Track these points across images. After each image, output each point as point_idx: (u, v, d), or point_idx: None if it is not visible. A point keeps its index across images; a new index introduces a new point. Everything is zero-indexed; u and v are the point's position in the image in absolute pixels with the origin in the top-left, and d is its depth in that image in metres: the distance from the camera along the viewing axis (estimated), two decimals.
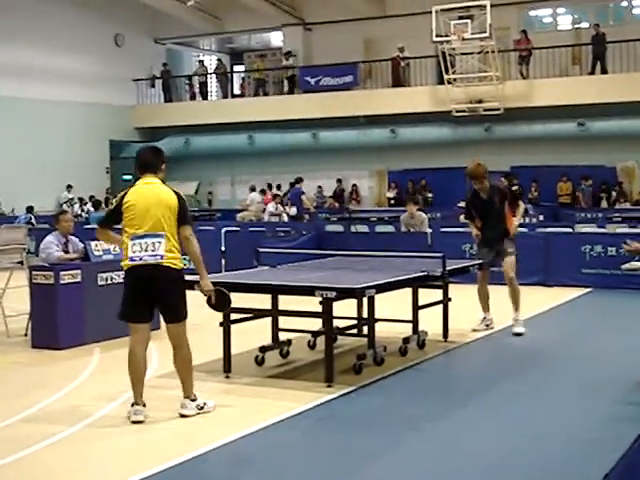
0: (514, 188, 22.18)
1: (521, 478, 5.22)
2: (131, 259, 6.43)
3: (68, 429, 6.27)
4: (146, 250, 6.38)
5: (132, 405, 6.52)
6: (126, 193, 6.64)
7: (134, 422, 6.41)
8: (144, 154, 6.90)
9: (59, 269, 9.41)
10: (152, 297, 6.51)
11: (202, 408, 6.64)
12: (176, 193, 6.60)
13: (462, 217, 10.63)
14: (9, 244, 11.13)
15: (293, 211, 22.32)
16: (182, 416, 6.53)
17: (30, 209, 23.49)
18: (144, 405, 6.51)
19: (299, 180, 22.67)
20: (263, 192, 25.59)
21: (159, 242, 6.38)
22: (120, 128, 30.16)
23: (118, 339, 9.39)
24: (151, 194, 6.52)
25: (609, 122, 24.69)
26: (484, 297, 10.24)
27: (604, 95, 23.57)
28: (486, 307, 10.28)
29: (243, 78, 33.04)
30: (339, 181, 28.94)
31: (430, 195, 26.63)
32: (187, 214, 6.64)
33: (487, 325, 10.20)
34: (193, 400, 6.64)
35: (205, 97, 31.62)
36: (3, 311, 10.37)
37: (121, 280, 9.89)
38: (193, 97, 31.72)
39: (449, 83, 25.36)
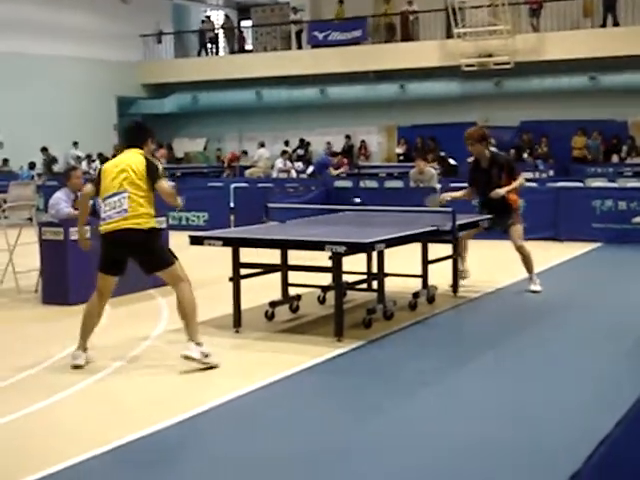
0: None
1: (528, 431, 5.23)
2: (102, 219, 6.79)
3: (78, 383, 6.31)
4: (114, 208, 6.69)
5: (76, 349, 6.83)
6: (101, 168, 7.11)
7: (74, 367, 6.68)
8: (129, 130, 7.26)
9: (68, 225, 9.40)
10: (124, 258, 6.84)
11: (206, 356, 6.63)
12: (146, 158, 6.81)
13: (462, 192, 10.21)
14: (18, 201, 11.13)
15: (309, 170, 22.12)
16: (185, 357, 6.54)
17: (32, 165, 23.47)
18: (84, 350, 6.82)
19: (334, 154, 22.16)
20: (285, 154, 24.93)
21: (123, 198, 6.67)
22: (127, 85, 30.02)
23: (128, 295, 9.45)
24: (120, 161, 6.86)
25: (621, 76, 24.43)
26: (463, 248, 10.07)
27: (616, 48, 23.29)
28: (463, 259, 10.13)
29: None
30: (348, 137, 28.80)
31: (453, 162, 22.50)
32: (156, 171, 6.79)
33: (462, 277, 10.00)
34: (198, 344, 6.65)
35: (216, 52, 31.42)
36: (13, 268, 10.39)
37: None
38: (207, 52, 31.45)
39: (458, 37, 25.11)
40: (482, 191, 9.86)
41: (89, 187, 7.14)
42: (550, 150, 25.17)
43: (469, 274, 10.14)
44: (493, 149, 10.15)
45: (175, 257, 7.13)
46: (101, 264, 6.89)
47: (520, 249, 9.72)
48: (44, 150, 25.62)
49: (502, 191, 9.53)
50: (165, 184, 6.85)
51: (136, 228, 6.64)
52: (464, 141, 9.84)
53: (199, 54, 31.49)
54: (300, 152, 28.01)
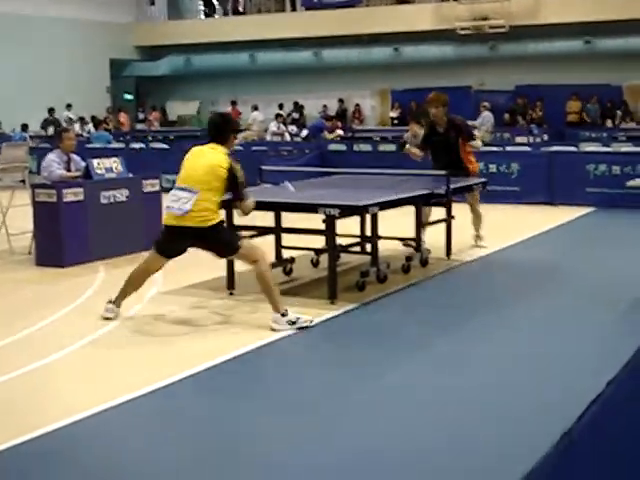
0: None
1: (519, 394, 5.27)
2: (167, 207, 6.77)
3: (73, 344, 6.33)
4: (178, 201, 6.63)
5: (109, 302, 7.00)
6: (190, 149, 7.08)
7: (105, 318, 6.91)
8: (213, 124, 7.03)
9: (62, 187, 9.38)
10: (186, 247, 6.87)
11: (294, 323, 6.61)
12: (229, 168, 6.65)
13: (407, 147, 10.40)
14: (11, 162, 11.07)
15: (304, 133, 21.99)
16: (273, 330, 6.57)
17: (25, 127, 23.35)
18: (119, 306, 7.01)
19: (328, 117, 22.06)
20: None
21: (190, 198, 6.57)
22: (120, 47, 29.80)
23: (123, 257, 9.46)
24: (202, 156, 6.78)
25: (616, 40, 24.36)
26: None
27: (611, 12, 23.17)
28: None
29: None
30: (341, 101, 28.68)
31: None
32: (237, 186, 6.72)
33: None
34: (283, 315, 6.65)
35: (210, 14, 31.20)
36: (7, 230, 10.37)
37: (124, 199, 10.02)
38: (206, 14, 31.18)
39: (454, 0, 24.94)
40: (439, 155, 9.94)
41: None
42: (544, 114, 25.11)
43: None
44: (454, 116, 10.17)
45: (240, 238, 7.00)
46: (159, 245, 6.89)
47: (475, 211, 10.14)
48: (51, 111, 25.54)
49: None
50: (246, 203, 6.83)
51: (199, 227, 6.59)
52: (428, 103, 9.96)
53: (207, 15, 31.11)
54: (295, 115, 27.88)
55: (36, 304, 7.73)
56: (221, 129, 6.93)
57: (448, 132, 9.85)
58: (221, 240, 6.79)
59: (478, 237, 10.35)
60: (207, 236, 6.66)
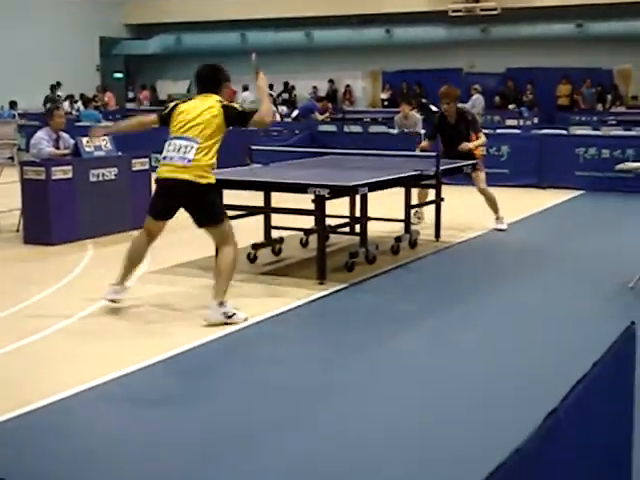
0: (424, 101, 21.91)
1: (505, 376, 5.30)
2: (163, 158, 6.49)
3: (61, 322, 6.32)
4: (178, 151, 6.40)
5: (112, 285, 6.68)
6: (177, 104, 6.76)
7: (110, 300, 6.64)
8: (203, 75, 6.84)
9: (50, 165, 9.35)
10: (177, 207, 6.54)
11: (230, 317, 6.31)
12: (223, 106, 6.51)
13: (424, 144, 10.59)
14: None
15: (294, 114, 21.90)
16: (206, 322, 6.29)
17: (13, 104, 23.21)
18: (124, 287, 6.70)
19: (319, 99, 21.92)
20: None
21: (191, 147, 6.37)
22: (110, 25, 29.61)
23: (112, 235, 9.45)
24: (197, 106, 6.56)
25: (607, 23, 24.29)
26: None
27: None
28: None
29: None
30: (331, 82, 28.59)
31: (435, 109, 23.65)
32: (238, 115, 6.57)
33: (418, 218, 10.41)
34: (222, 305, 6.34)
35: None
36: None
37: (113, 177, 9.98)
38: None
39: None
40: (448, 145, 10.24)
41: (153, 117, 6.97)
42: (535, 98, 25.09)
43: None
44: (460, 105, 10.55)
45: (227, 215, 6.79)
46: (152, 209, 6.67)
47: (483, 191, 10.27)
48: (53, 87, 25.43)
49: (470, 145, 10.10)
50: (257, 115, 6.57)
51: (195, 182, 6.35)
52: (440, 98, 10.39)
53: None
54: (285, 96, 27.80)
55: (23, 282, 7.71)
56: (213, 79, 6.75)
57: (458, 124, 10.23)
58: (211, 205, 6.54)
59: (497, 219, 10.38)
60: (200, 195, 6.42)
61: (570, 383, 2.31)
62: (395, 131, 15.06)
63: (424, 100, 22.38)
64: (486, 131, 15.46)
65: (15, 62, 25.62)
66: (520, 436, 1.92)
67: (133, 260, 6.73)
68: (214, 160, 6.49)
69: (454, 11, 25.12)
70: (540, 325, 6.39)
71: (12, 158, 11.09)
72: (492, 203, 10.36)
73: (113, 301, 6.67)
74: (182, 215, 6.54)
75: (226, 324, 6.25)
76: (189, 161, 6.33)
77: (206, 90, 6.69)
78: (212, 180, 6.46)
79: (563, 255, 9.01)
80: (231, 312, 6.33)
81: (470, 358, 5.63)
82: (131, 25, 30.73)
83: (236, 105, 6.65)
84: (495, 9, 24.55)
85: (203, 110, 6.49)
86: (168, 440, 4.32)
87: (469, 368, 5.42)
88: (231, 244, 6.54)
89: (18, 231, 9.90)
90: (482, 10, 24.85)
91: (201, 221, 6.57)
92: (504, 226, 10.32)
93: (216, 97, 6.60)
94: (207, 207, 6.53)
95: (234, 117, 6.54)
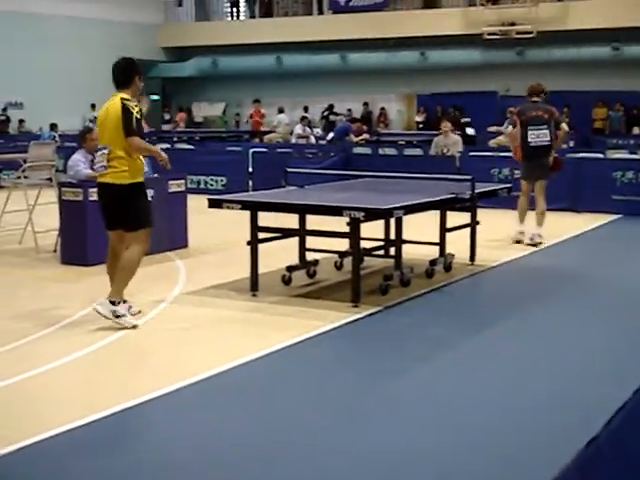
0: (465, 120, 21.92)
1: (540, 398, 5.24)
2: (95, 170, 7.05)
3: (100, 341, 6.35)
4: (98, 162, 6.85)
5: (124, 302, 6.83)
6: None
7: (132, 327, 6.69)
8: (114, 71, 6.99)
9: (87, 186, 9.42)
10: (109, 211, 6.93)
11: (118, 317, 6.60)
12: (122, 105, 6.66)
13: (495, 141, 10.81)
14: (38, 161, 11.16)
15: (329, 136, 21.87)
16: (95, 310, 6.64)
17: (54, 126, 23.51)
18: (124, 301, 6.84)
19: (353, 120, 21.92)
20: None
21: (104, 154, 6.76)
22: (147, 48, 29.91)
23: (148, 256, 9.46)
24: (104, 111, 6.91)
25: None
26: (522, 210, 10.85)
27: None
28: (521, 219, 10.91)
29: None
30: (365, 104, 28.65)
31: (471, 132, 21.78)
32: (130, 123, 6.65)
33: (519, 239, 10.80)
34: (112, 303, 6.63)
35: (237, 17, 31.30)
36: (33, 227, 10.44)
37: (149, 198, 10.02)
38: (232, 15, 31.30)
39: (481, 5, 24.88)
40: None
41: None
42: (571, 121, 24.93)
43: (524, 236, 10.80)
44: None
45: (151, 224, 6.97)
46: (103, 220, 7.03)
47: (538, 204, 10.71)
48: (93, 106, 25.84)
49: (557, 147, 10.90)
50: (135, 140, 6.67)
51: (114, 183, 6.70)
52: (530, 95, 10.88)
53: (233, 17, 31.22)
54: (332, 118, 27.57)
55: (58, 302, 7.77)
56: (124, 73, 6.92)
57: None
58: (135, 207, 6.80)
59: (538, 234, 10.66)
60: (123, 197, 6.72)
61: (608, 412, 2.28)
62: (432, 152, 15.07)
63: (464, 120, 22.36)
64: None
65: (53, 84, 25.98)
66: (556, 466, 1.89)
67: (110, 273, 7.00)
68: (134, 163, 6.75)
69: (489, 34, 25.10)
70: (572, 351, 6.32)
71: (50, 179, 11.22)
72: (538, 217, 10.66)
73: (134, 326, 6.71)
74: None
75: (115, 322, 6.58)
76: (104, 167, 6.73)
77: (117, 86, 6.93)
78: (136, 179, 6.78)
79: (599, 279, 8.92)
80: (121, 313, 6.64)
81: (502, 383, 5.58)
82: (168, 48, 31.06)
83: (134, 111, 6.68)
84: (530, 32, 24.51)
85: (109, 114, 6.77)
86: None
87: (500, 393, 5.36)
88: (140, 244, 6.81)
89: (55, 251, 9.99)
90: (517, 33, 24.82)
91: (127, 225, 6.83)
92: (539, 240, 10.61)
93: (121, 95, 6.77)
94: (131, 209, 6.81)
95: (123, 124, 6.67)
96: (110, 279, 6.94)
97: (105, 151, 6.73)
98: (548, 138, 10.59)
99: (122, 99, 6.72)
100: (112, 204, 6.83)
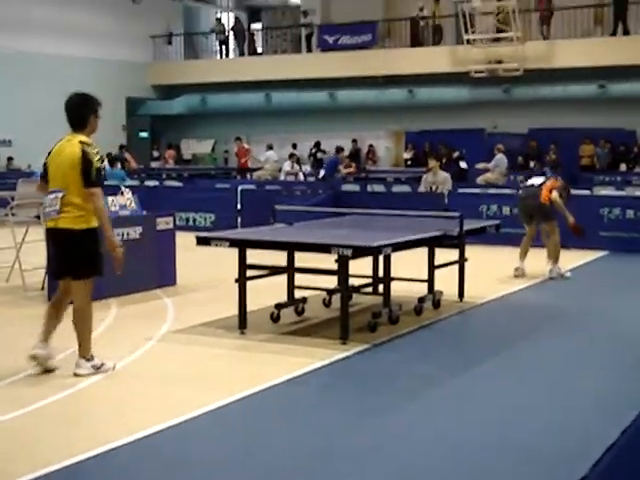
0: (457, 154, 22.16)
1: (528, 435, 5.21)
2: (44, 214, 6.63)
3: (81, 383, 6.31)
4: (50, 206, 6.43)
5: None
6: (48, 154, 6.69)
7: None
8: (68, 108, 6.66)
9: None
10: (59, 257, 6.61)
11: (99, 368, 6.47)
12: (83, 151, 6.34)
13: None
14: (26, 198, 11.13)
15: (321, 173, 21.88)
16: (76, 375, 6.41)
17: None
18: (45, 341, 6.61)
19: (339, 149, 22.00)
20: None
21: (57, 198, 6.37)
22: (137, 85, 30.09)
23: (136, 294, 9.47)
24: (58, 152, 6.51)
25: (630, 85, 24.39)
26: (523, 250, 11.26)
27: (626, 57, 23.27)
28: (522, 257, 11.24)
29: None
30: (354, 141, 28.81)
31: (464, 166, 22.67)
32: (89, 174, 6.34)
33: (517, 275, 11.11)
34: (88, 360, 6.48)
35: (226, 55, 31.50)
36: (20, 265, 10.39)
37: (137, 236, 10.04)
38: (220, 53, 31.51)
39: (468, 43, 25.12)
40: None
41: (40, 184, 6.76)
42: (558, 158, 25.13)
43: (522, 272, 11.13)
44: None
45: (101, 273, 6.62)
46: (50, 268, 6.75)
47: (552, 240, 11.21)
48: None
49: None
50: (96, 194, 6.35)
51: (68, 228, 6.36)
52: None
53: (222, 55, 31.45)
54: (319, 155, 27.66)
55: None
56: (79, 112, 6.58)
57: None
58: (88, 254, 6.41)
59: (554, 269, 11.09)
60: (76, 242, 6.35)
61: (594, 451, 2.27)
62: (422, 189, 15.13)
63: (456, 154, 22.50)
64: (508, 191, 15.60)
65: (41, 122, 25.95)
66: None
67: (51, 318, 6.70)
68: (85, 204, 6.35)
69: (477, 72, 25.32)
70: (560, 389, 6.31)
71: (38, 217, 11.18)
72: (551, 252, 11.12)
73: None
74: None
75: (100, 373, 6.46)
76: (57, 212, 6.37)
77: (72, 127, 6.56)
78: (91, 224, 6.40)
79: (587, 317, 8.93)
80: (99, 364, 6.51)
81: (490, 420, 5.55)
82: (157, 86, 31.21)
83: (94, 159, 6.35)
84: (517, 70, 24.74)
85: (65, 157, 6.40)
86: None
87: (488, 430, 5.34)
88: (82, 304, 6.49)
89: (43, 289, 9.94)
90: (504, 71, 25.04)
91: (76, 272, 6.45)
92: (559, 273, 11.10)
93: (80, 139, 6.44)
94: (83, 255, 6.43)
95: (82, 175, 6.33)
96: (44, 324, 6.64)
97: (59, 195, 6.36)
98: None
99: (81, 144, 6.39)
100: (64, 251, 6.48)
